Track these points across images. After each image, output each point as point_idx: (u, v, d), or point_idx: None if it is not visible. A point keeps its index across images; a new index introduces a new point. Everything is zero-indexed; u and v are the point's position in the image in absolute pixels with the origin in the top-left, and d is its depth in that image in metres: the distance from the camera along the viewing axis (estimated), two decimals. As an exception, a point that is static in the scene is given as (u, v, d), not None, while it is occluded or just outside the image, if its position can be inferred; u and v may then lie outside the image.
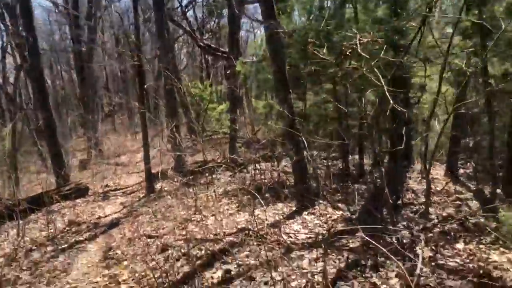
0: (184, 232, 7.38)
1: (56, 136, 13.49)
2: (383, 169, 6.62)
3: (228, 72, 24.48)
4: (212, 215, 8.28)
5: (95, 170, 17.38)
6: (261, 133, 17.22)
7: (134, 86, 37.72)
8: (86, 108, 22.66)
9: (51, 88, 40.46)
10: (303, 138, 7.99)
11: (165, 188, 12.02)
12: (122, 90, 37.74)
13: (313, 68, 9.69)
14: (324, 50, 7.07)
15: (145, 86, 13.29)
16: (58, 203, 11.69)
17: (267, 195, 9.06)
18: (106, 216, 10.38)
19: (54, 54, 40.06)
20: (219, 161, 13.69)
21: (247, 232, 7.00)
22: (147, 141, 11.54)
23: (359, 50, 5.62)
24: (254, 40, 14.35)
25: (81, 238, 8.71)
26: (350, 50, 5.82)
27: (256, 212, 7.75)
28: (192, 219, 8.25)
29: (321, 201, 8.27)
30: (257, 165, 11.40)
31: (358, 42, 5.70)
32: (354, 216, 7.53)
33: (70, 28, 27.13)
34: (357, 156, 11.25)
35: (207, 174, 11.54)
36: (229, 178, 12.10)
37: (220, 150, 15.74)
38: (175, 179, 12.60)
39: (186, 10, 26.91)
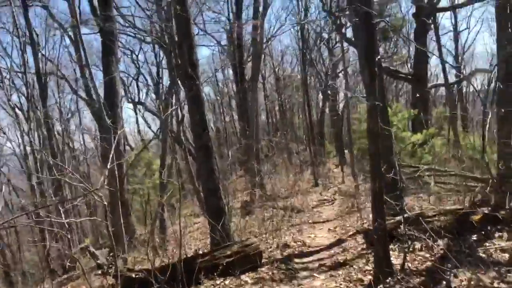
0: None
1: (212, 162, 7.84)
2: None
3: (418, 95, 17.84)
4: None
5: (260, 216, 11.55)
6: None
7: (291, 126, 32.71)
8: (251, 151, 17.27)
9: (213, 131, 37.46)
10: None
11: (411, 267, 5.39)
12: (281, 129, 32.59)
13: None
14: None
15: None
16: (212, 282, 5.82)
17: None
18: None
19: (217, 97, 37.41)
20: (485, 211, 6.68)
21: None
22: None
23: None
24: None
25: None
26: None
27: None
28: None
29: None
30: None
31: None
32: None
33: (233, 69, 23.14)
34: None
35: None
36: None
37: (465, 194, 8.83)
38: (425, 247, 5.97)
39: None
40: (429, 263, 5.45)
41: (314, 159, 20.06)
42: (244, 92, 20.31)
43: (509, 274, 4.60)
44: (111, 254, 5.92)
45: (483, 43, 48.51)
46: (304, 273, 6.18)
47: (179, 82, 11.72)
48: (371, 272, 5.45)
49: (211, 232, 7.89)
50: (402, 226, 6.26)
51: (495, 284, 4.36)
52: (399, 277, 5.02)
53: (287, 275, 6.09)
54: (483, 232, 6.04)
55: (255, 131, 15.87)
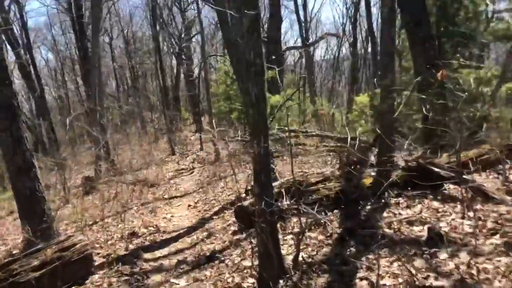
0: None
1: (18, 128, 5.24)
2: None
3: (273, 57, 16.75)
4: None
5: (106, 194, 9.10)
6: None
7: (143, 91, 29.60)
8: (93, 117, 14.04)
9: (55, 101, 32.49)
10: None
11: (305, 257, 3.73)
12: (133, 96, 29.23)
13: None
14: None
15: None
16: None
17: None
18: None
19: (58, 62, 32.16)
20: (372, 172, 5.44)
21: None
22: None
23: None
24: None
25: None
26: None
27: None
28: None
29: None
30: None
31: None
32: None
33: (74, 31, 19.24)
34: None
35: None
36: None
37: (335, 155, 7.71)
38: (315, 226, 4.39)
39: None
40: (326, 249, 3.89)
41: (169, 125, 17.82)
42: (86, 51, 16.93)
43: (437, 259, 3.23)
44: None
45: (328, 10, 50.52)
46: (157, 277, 4.18)
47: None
48: (253, 271, 3.68)
49: (23, 226, 5.34)
50: (284, 199, 4.64)
51: (432, 280, 2.93)
52: (294, 278, 3.33)
53: (131, 283, 4.01)
54: (381, 200, 4.71)
55: (97, 91, 12.90)
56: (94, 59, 12.64)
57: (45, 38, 32.83)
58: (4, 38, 19.36)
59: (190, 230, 5.79)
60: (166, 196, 8.66)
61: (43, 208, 5.40)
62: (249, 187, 6.87)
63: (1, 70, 5.20)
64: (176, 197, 8.55)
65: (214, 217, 6.17)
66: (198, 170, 11.70)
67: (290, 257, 3.70)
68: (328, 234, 4.18)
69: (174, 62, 28.39)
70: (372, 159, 7.01)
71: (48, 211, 5.49)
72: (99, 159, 12.07)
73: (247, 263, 3.89)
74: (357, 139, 8.14)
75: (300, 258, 3.63)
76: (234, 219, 5.51)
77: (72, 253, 3.97)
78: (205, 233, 5.41)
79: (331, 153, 9.89)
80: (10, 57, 22.45)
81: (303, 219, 4.04)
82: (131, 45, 29.60)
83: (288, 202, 4.62)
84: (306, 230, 4.33)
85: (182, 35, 25.57)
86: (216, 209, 6.64)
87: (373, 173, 5.50)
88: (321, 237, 4.17)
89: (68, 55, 31.49)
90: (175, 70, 28.00)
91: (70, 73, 32.23)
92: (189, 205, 7.49)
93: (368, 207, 4.73)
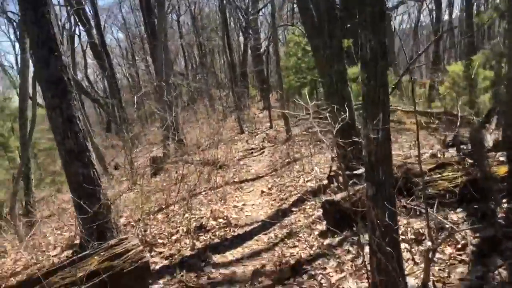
0: None
1: (69, 106, 4.54)
2: None
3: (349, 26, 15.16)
4: None
5: (174, 175, 8.43)
6: None
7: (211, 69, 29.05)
8: (161, 93, 13.42)
9: (126, 80, 33.36)
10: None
11: (434, 280, 2.60)
12: (201, 73, 28.76)
13: None
14: None
15: None
16: None
17: None
18: None
19: (128, 42, 32.70)
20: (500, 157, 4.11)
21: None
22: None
23: None
24: None
25: None
26: None
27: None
28: None
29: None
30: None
31: None
32: None
33: (141, 8, 18.77)
34: None
35: None
36: None
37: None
38: (438, 234, 3.20)
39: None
40: (462, 270, 2.73)
41: (238, 103, 16.99)
42: (153, 27, 16.45)
43: None
44: None
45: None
46: (229, 292, 3.28)
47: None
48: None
49: (78, 221, 4.69)
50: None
51: None
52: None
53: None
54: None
55: (164, 65, 12.29)
56: (160, 33, 11.99)
57: (116, 18, 33.58)
58: (76, 17, 19.53)
59: (266, 224, 4.84)
60: (236, 180, 7.80)
61: (99, 199, 4.70)
62: (332, 173, 5.79)
63: (49, 40, 4.48)
64: (247, 180, 7.67)
65: (294, 209, 5.16)
66: (268, 150, 10.76)
67: (414, 281, 2.61)
68: (459, 246, 3.01)
69: (241, 38, 27.54)
70: (489, 139, 5.59)
71: (105, 201, 4.79)
72: (167, 139, 11.52)
73: (350, 284, 2.85)
74: (458, 114, 6.72)
75: (429, 284, 2.53)
76: (318, 213, 4.50)
77: (123, 263, 3.15)
78: (284, 231, 4.44)
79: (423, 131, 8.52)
80: (83, 36, 22.93)
81: (427, 225, 2.90)
82: (199, 21, 29.06)
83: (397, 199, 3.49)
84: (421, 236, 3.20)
85: (250, 9, 24.55)
86: (294, 198, 5.64)
87: (501, 158, 4.18)
88: (449, 250, 3.01)
89: (137, 34, 31.89)
90: (242, 46, 27.17)
91: (140, 52, 32.57)
92: (262, 191, 6.57)
93: (506, 205, 3.48)
